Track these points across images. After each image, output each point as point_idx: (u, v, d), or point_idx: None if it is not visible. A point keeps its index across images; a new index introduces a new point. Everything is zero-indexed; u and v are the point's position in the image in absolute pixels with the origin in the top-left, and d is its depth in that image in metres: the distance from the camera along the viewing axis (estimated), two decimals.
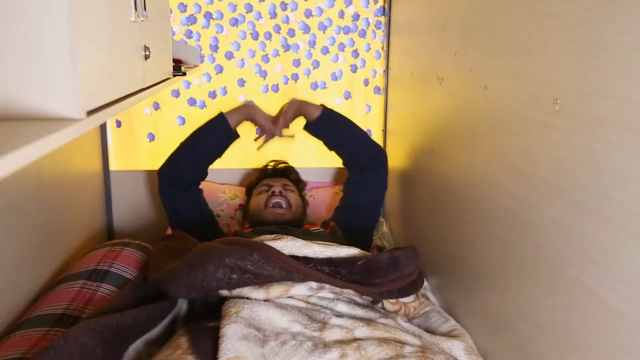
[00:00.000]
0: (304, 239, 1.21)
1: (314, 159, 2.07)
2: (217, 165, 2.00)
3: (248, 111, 1.64)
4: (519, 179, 0.99)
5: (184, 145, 1.62)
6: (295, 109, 1.64)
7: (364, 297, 1.18)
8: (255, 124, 1.65)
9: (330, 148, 1.69)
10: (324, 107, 1.64)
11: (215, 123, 1.62)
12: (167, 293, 1.12)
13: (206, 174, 1.67)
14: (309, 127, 1.66)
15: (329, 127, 1.66)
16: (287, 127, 1.65)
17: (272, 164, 1.88)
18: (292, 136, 1.67)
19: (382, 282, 1.14)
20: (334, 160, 2.06)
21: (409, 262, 1.16)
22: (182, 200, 1.62)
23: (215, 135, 1.63)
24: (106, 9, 0.73)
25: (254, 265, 1.08)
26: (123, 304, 1.11)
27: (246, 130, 2.00)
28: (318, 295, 1.13)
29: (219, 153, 1.65)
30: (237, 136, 1.65)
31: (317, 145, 2.03)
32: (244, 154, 2.01)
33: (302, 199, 1.78)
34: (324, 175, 2.06)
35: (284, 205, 1.63)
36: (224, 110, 1.63)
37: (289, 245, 1.15)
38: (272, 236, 1.20)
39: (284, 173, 1.82)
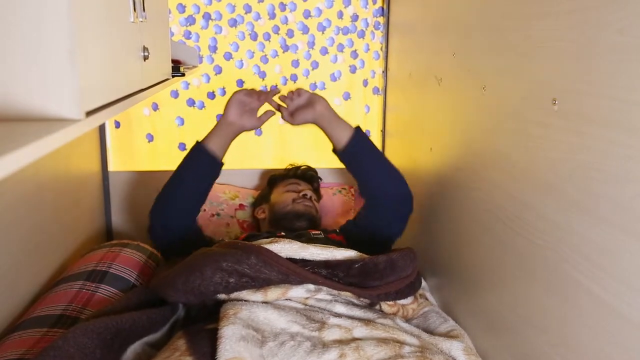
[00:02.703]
0: (301, 241, 1.21)
1: (312, 159, 2.07)
2: None
3: (230, 129, 1.40)
4: (517, 179, 0.99)
5: (167, 187, 1.44)
6: (315, 118, 1.39)
7: (361, 299, 1.18)
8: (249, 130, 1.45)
9: (354, 176, 1.46)
10: (355, 129, 1.40)
11: (193, 156, 1.42)
12: (165, 299, 1.12)
13: (198, 211, 1.47)
14: (338, 153, 1.43)
15: (361, 156, 1.41)
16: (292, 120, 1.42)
17: (303, 167, 1.84)
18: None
19: (380, 285, 1.14)
20: (334, 161, 2.07)
21: (406, 264, 1.16)
22: (176, 244, 1.43)
23: (195, 171, 1.41)
24: (105, 9, 0.73)
25: (252, 269, 1.08)
26: (125, 307, 1.10)
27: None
28: (316, 298, 1.13)
29: (203, 191, 1.44)
30: (220, 165, 1.42)
31: (317, 145, 2.04)
32: (245, 155, 2.01)
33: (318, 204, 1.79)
34: (322, 175, 2.05)
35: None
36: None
37: (286, 248, 1.15)
38: (269, 240, 1.20)
39: (311, 180, 1.81)
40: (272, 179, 1.81)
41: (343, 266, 1.13)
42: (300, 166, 1.86)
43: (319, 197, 1.81)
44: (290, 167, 1.86)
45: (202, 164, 1.41)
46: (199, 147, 1.41)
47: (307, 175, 1.81)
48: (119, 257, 1.38)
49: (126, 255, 1.40)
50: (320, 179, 1.88)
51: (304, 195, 1.64)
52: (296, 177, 1.79)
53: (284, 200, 1.64)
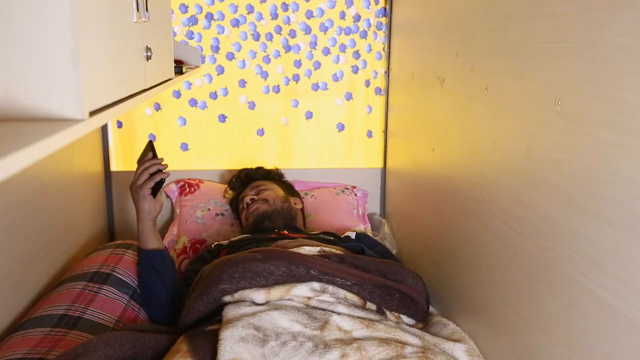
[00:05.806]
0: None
1: (315, 159, 2.07)
2: (217, 165, 2.01)
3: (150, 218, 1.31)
4: (520, 180, 0.99)
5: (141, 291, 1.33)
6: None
7: (367, 304, 1.18)
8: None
9: None
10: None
11: (140, 260, 1.34)
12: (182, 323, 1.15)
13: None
14: None
15: None
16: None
17: (234, 178, 1.85)
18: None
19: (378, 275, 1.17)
20: (335, 161, 2.07)
21: (403, 274, 1.21)
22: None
23: (148, 273, 1.31)
24: (108, 10, 0.73)
25: (259, 267, 1.12)
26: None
27: (246, 131, 2.00)
28: (318, 299, 1.13)
29: (165, 281, 1.31)
30: (165, 254, 1.32)
31: (318, 146, 2.04)
32: (246, 155, 2.01)
33: (284, 185, 1.80)
34: (325, 175, 2.06)
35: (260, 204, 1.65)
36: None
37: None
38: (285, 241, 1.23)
39: (250, 178, 1.81)
40: (233, 208, 1.84)
41: (350, 257, 1.20)
42: (234, 176, 1.85)
43: (273, 178, 1.81)
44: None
45: (148, 263, 1.32)
46: (140, 250, 1.33)
47: (245, 180, 1.81)
48: (123, 260, 1.38)
49: (129, 259, 1.40)
50: (261, 167, 1.86)
51: (247, 204, 1.67)
52: (240, 188, 1.79)
53: (245, 222, 1.67)
